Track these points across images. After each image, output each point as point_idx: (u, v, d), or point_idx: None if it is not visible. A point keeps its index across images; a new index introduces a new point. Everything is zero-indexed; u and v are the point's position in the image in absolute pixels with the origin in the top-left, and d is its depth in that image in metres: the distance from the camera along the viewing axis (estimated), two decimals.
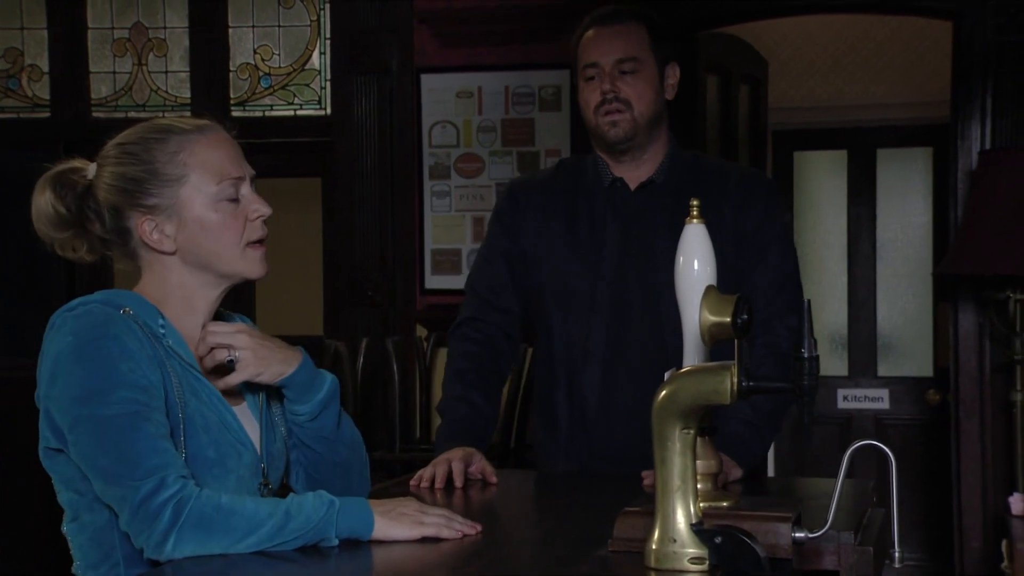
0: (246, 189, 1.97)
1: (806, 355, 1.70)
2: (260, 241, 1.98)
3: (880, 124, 6.36)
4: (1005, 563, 4.03)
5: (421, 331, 5.35)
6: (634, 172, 2.69)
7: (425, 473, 2.43)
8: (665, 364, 2.44)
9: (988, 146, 4.51)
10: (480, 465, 2.46)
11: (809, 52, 6.40)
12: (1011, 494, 4.22)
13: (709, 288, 1.77)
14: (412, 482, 2.43)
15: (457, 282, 5.31)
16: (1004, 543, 4.08)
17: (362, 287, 5.32)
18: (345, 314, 5.34)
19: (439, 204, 5.36)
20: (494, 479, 2.42)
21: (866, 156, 6.46)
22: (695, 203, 1.93)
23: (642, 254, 2.65)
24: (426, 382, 5.24)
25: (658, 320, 2.60)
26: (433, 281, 5.35)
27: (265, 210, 1.97)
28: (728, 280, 2.49)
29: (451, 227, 5.35)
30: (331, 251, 5.45)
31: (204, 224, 1.93)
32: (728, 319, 1.73)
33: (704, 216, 2.49)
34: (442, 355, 5.34)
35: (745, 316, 1.74)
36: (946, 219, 6.20)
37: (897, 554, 1.79)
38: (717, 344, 1.81)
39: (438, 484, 2.39)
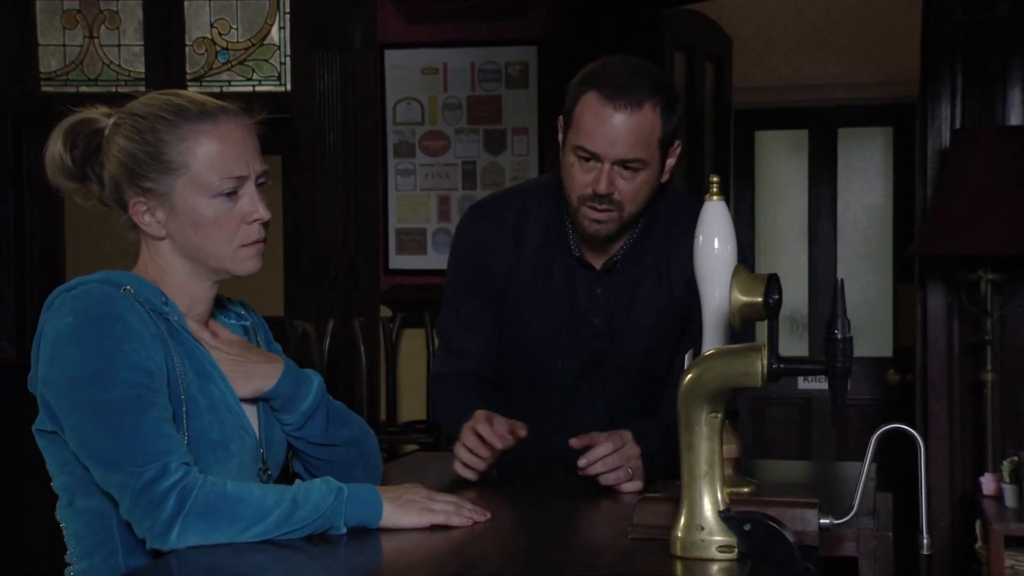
0: (248, 188, 1.87)
1: (839, 336, 1.65)
2: (255, 242, 1.90)
3: (841, 104, 6.36)
4: (979, 543, 4.03)
5: (385, 312, 5.27)
6: (598, 254, 2.45)
7: (462, 457, 2.24)
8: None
9: (958, 125, 4.50)
10: (505, 423, 2.25)
11: (771, 31, 6.37)
12: (982, 474, 4.22)
13: (739, 267, 1.72)
14: (459, 471, 2.25)
15: (422, 262, 5.23)
16: (977, 523, 4.08)
17: (325, 267, 5.22)
18: (307, 295, 5.24)
19: (403, 183, 5.27)
20: (523, 432, 2.25)
21: (827, 136, 6.45)
22: (715, 179, 1.87)
23: (602, 338, 2.44)
24: (391, 364, 5.16)
25: (614, 396, 2.45)
26: (397, 261, 5.27)
27: (263, 214, 1.88)
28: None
29: (416, 206, 5.27)
30: (292, 230, 5.34)
31: (195, 219, 1.85)
32: (760, 299, 1.68)
33: (656, 290, 2.40)
34: (407, 336, 5.27)
35: (776, 296, 1.69)
36: (909, 199, 6.23)
37: (925, 540, 1.75)
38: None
39: (484, 456, 2.20)
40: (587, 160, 2.30)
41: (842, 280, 1.66)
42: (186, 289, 1.90)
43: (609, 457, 2.15)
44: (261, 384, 1.91)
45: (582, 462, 2.16)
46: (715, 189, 1.86)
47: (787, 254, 6.47)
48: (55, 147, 1.89)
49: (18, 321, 5.44)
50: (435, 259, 5.19)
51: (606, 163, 2.28)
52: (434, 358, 2.57)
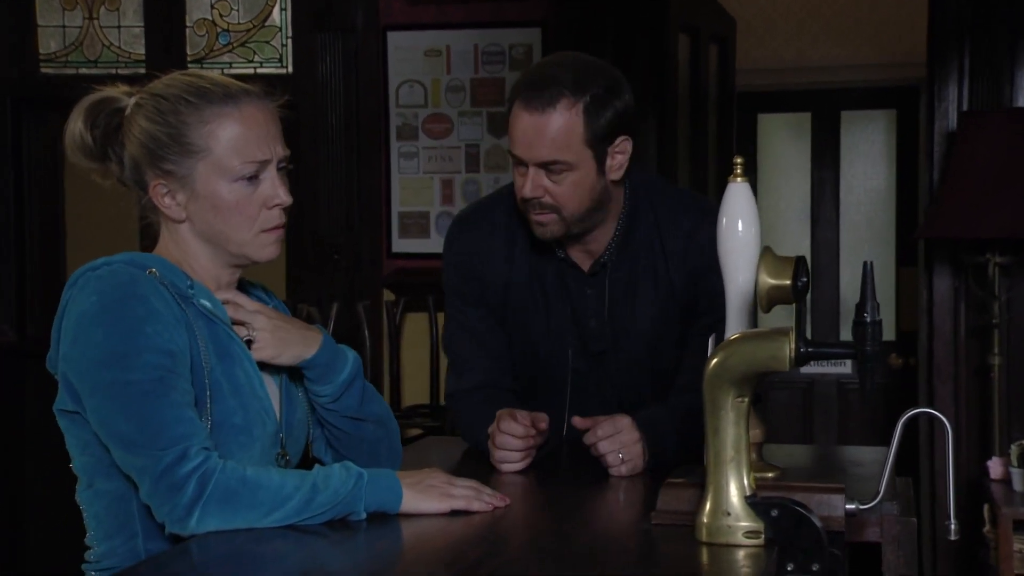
0: (269, 172, 1.85)
1: (869, 319, 1.63)
2: (275, 227, 1.88)
3: (844, 86, 6.32)
4: (987, 527, 4.02)
5: (388, 295, 5.24)
6: (583, 254, 2.39)
7: (498, 456, 2.19)
8: None
9: (965, 107, 4.46)
10: (527, 416, 2.21)
11: (773, 12, 6.33)
12: (989, 458, 4.20)
13: (766, 249, 1.70)
14: (502, 465, 2.19)
15: (425, 246, 5.21)
16: (986, 507, 4.07)
17: (327, 251, 5.19)
18: (310, 278, 5.21)
19: (407, 166, 5.24)
20: (543, 424, 2.22)
21: (830, 118, 6.42)
22: (739, 160, 1.84)
23: (603, 338, 2.41)
24: (395, 348, 5.13)
25: (625, 391, 2.43)
26: (400, 245, 5.24)
27: (284, 198, 1.86)
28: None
29: (419, 189, 5.24)
30: (295, 214, 5.27)
31: (215, 203, 1.83)
32: (788, 282, 1.66)
33: (654, 284, 2.36)
34: (410, 320, 5.25)
35: (804, 279, 1.67)
36: (912, 182, 6.21)
37: (953, 526, 1.73)
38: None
39: (519, 448, 2.17)
40: (519, 165, 2.26)
41: (871, 262, 1.64)
42: (210, 272, 1.88)
43: (601, 443, 2.15)
44: (302, 351, 1.89)
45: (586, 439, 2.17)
46: (739, 171, 1.84)
47: (789, 237, 6.44)
48: (75, 125, 1.86)
49: (18, 304, 5.41)
50: (438, 243, 5.13)
51: (529, 167, 2.24)
52: (447, 376, 2.51)
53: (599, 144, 2.25)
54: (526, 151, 2.23)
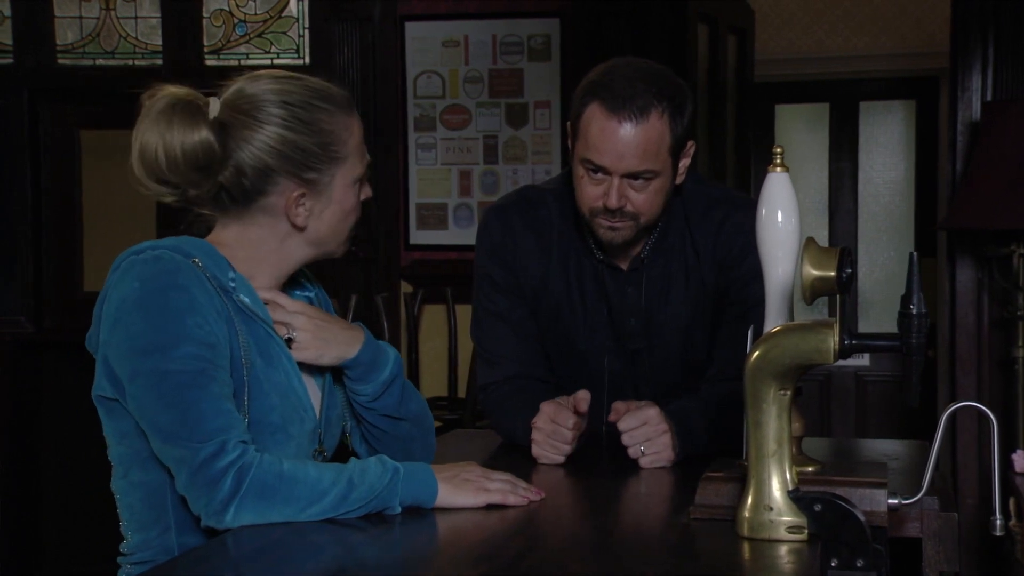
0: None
1: (915, 311, 1.60)
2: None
3: (862, 76, 6.29)
4: (1013, 521, 3.99)
5: (406, 287, 5.22)
6: (624, 256, 2.37)
7: (543, 453, 2.18)
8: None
9: (989, 97, 4.43)
10: (570, 400, 2.19)
11: (791, 3, 6.30)
12: (1014, 451, 4.17)
13: (809, 240, 1.67)
14: (546, 457, 2.19)
15: (443, 237, 5.19)
16: (1011, 501, 4.04)
17: None
18: (328, 270, 5.19)
19: (424, 157, 5.22)
20: (584, 407, 2.18)
21: (848, 109, 6.39)
22: (779, 150, 1.82)
23: (639, 336, 2.38)
24: (413, 340, 5.11)
25: (660, 387, 2.39)
26: (418, 236, 5.22)
27: (370, 192, 1.91)
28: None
29: (437, 181, 5.22)
30: None
31: (344, 206, 1.85)
32: (832, 273, 1.63)
33: (686, 279, 2.36)
34: (428, 311, 5.22)
35: (849, 270, 1.64)
36: (931, 173, 6.17)
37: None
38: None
39: (568, 440, 2.16)
40: (596, 172, 2.22)
41: (916, 254, 1.61)
42: (279, 272, 1.87)
43: (625, 435, 2.14)
44: (344, 351, 1.88)
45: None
46: (779, 160, 1.81)
47: (807, 228, 6.35)
48: (199, 133, 1.77)
49: (36, 296, 5.40)
50: (456, 234, 5.15)
51: (615, 177, 2.20)
52: (479, 366, 2.47)
53: (678, 149, 2.24)
54: (615, 161, 2.18)
